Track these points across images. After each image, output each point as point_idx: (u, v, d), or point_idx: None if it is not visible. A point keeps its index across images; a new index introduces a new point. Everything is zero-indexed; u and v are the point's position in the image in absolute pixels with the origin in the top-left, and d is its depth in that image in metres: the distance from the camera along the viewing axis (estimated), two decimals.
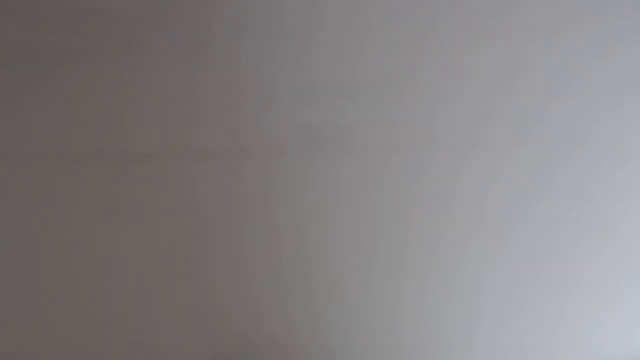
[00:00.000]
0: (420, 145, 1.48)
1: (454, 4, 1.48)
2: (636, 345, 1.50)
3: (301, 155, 1.46)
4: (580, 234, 1.50)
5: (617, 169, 1.51)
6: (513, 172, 1.49)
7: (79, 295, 1.45)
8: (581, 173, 1.50)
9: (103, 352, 1.44)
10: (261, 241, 1.47)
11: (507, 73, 1.49)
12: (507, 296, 1.49)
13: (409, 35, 1.48)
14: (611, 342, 1.50)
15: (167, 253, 1.46)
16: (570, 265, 1.50)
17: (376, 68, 1.48)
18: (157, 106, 1.45)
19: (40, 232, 1.44)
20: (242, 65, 1.46)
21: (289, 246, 1.47)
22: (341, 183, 1.47)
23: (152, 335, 1.45)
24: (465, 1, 1.48)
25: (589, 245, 1.50)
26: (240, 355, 1.45)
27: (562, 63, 1.50)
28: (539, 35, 1.50)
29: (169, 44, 1.45)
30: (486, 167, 1.49)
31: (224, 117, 1.46)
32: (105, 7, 1.44)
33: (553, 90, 1.50)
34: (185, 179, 1.45)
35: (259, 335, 1.46)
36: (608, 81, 1.51)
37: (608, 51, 1.51)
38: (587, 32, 1.51)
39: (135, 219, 1.45)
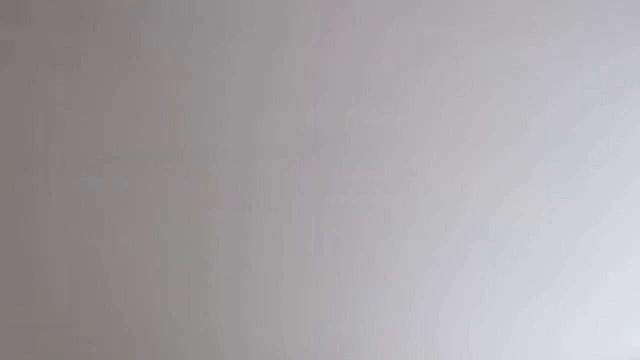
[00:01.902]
0: (420, 147, 1.48)
1: (453, 5, 1.48)
2: (636, 345, 1.50)
3: (300, 157, 1.46)
4: (579, 234, 1.50)
5: (617, 168, 1.51)
6: (515, 172, 1.49)
7: (79, 295, 1.45)
8: (581, 172, 1.50)
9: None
10: (261, 242, 1.47)
11: (510, 73, 1.49)
12: (507, 296, 1.49)
13: (409, 36, 1.48)
14: (611, 342, 1.50)
15: (167, 253, 1.46)
16: (569, 265, 1.50)
17: (376, 69, 1.48)
18: (157, 106, 1.45)
19: (41, 232, 1.44)
20: (241, 66, 1.46)
21: (289, 247, 1.47)
22: (340, 184, 1.47)
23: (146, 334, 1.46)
24: (465, 3, 1.48)
25: (588, 245, 1.50)
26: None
27: (562, 62, 1.50)
28: (539, 35, 1.50)
29: (169, 44, 1.45)
30: (487, 168, 1.49)
31: (223, 118, 1.46)
32: (104, 7, 1.44)
33: (554, 90, 1.50)
34: (186, 179, 1.45)
35: (260, 336, 1.47)
36: (608, 79, 1.51)
37: (607, 49, 1.51)
38: (586, 30, 1.51)
39: (135, 219, 1.45)
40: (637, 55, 1.51)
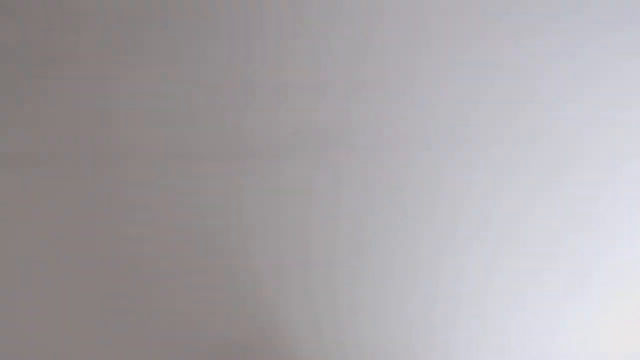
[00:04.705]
0: (423, 145, 1.48)
1: (455, 5, 1.49)
2: (636, 345, 1.49)
3: (302, 155, 1.46)
4: (580, 235, 1.50)
5: (617, 168, 1.51)
6: (514, 172, 1.49)
7: (77, 295, 1.45)
8: (583, 173, 1.50)
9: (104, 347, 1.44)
10: (263, 241, 1.47)
11: (508, 73, 1.49)
12: (509, 296, 1.49)
13: (411, 35, 1.48)
14: (611, 342, 1.49)
15: (167, 253, 1.46)
16: (570, 265, 1.50)
17: (378, 68, 1.48)
18: (157, 106, 1.46)
19: (40, 231, 1.44)
20: (242, 66, 1.46)
21: (291, 245, 1.47)
22: (343, 182, 1.48)
23: (155, 330, 1.46)
24: (466, 2, 1.49)
25: (589, 246, 1.50)
26: (243, 348, 1.46)
27: (561, 63, 1.51)
28: (539, 35, 1.50)
29: (169, 44, 1.45)
30: (487, 167, 1.49)
31: (225, 118, 1.46)
32: (105, 7, 1.44)
33: (554, 90, 1.50)
34: (186, 179, 1.46)
35: (259, 333, 1.47)
36: (609, 79, 1.51)
37: (608, 48, 1.52)
38: (586, 30, 1.51)
39: (135, 219, 1.45)
40: (638, 54, 1.52)
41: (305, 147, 1.47)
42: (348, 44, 1.48)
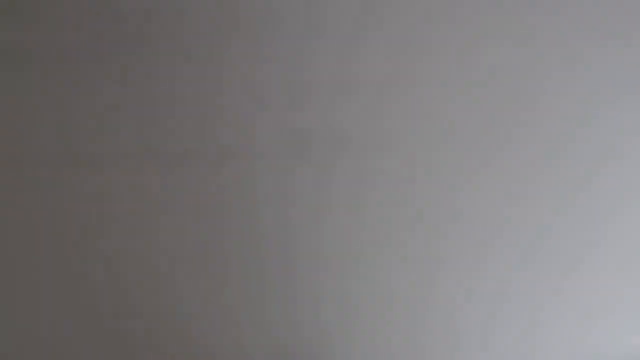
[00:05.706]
0: (413, 147, 1.48)
1: (450, 5, 1.49)
2: (636, 344, 1.50)
3: (292, 158, 1.46)
4: (579, 233, 1.50)
5: (616, 168, 1.51)
6: (510, 171, 1.50)
7: (80, 295, 1.45)
8: (580, 172, 1.51)
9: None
10: (252, 244, 1.47)
11: (506, 74, 1.49)
12: (505, 296, 1.50)
13: (403, 36, 1.48)
14: (611, 342, 1.50)
15: (163, 252, 1.46)
16: (569, 264, 1.50)
17: (368, 70, 1.48)
18: (153, 107, 1.45)
19: (39, 232, 1.44)
20: (233, 66, 1.46)
21: (280, 249, 1.47)
22: (332, 185, 1.47)
23: (151, 337, 1.46)
24: (462, 3, 1.49)
25: (588, 244, 1.51)
26: None
27: (559, 63, 1.51)
28: (539, 36, 1.50)
29: (167, 45, 1.45)
30: (482, 168, 1.49)
31: (215, 119, 1.46)
32: (105, 7, 1.44)
33: (554, 91, 1.51)
34: (180, 180, 1.45)
35: (255, 334, 1.47)
36: (609, 80, 1.52)
37: (607, 49, 1.52)
38: (584, 31, 1.51)
39: (132, 219, 1.45)
40: (638, 56, 1.52)
41: (292, 150, 1.47)
42: (337, 44, 1.48)
